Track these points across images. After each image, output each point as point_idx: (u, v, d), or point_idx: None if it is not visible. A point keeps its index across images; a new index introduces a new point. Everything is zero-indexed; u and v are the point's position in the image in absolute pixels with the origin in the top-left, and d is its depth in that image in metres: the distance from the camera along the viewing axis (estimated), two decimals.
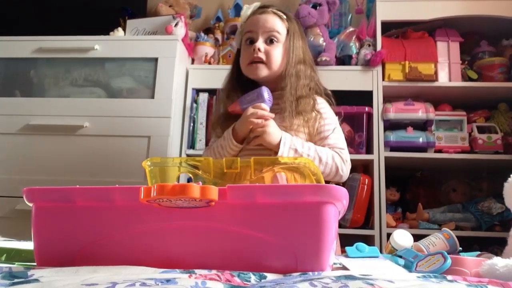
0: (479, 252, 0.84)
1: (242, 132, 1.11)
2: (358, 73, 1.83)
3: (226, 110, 1.20)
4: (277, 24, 1.19)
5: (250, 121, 1.08)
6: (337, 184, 0.71)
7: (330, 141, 1.15)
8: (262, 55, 1.15)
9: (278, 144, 1.06)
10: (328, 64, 1.80)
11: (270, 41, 1.18)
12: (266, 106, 1.10)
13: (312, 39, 1.81)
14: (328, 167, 1.10)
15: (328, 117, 1.19)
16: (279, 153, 1.05)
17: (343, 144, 1.17)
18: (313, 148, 1.10)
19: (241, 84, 1.22)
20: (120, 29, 1.94)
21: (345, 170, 1.13)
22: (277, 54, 1.17)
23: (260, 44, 1.16)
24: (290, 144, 1.07)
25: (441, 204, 1.83)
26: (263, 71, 1.16)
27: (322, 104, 1.20)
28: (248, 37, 1.20)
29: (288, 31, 1.20)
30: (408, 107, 1.78)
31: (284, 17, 1.21)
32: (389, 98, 1.81)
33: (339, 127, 1.21)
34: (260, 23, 1.18)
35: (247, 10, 1.24)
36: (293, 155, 1.06)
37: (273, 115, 1.10)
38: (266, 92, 1.10)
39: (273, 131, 1.07)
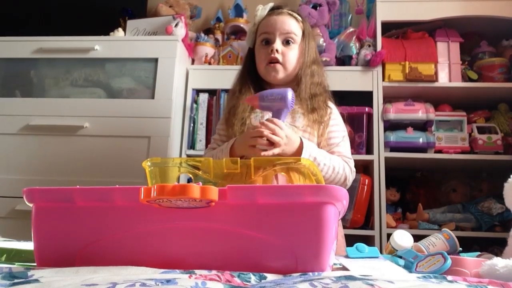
0: (479, 253, 0.84)
1: (241, 152, 1.08)
2: (358, 74, 1.83)
3: (233, 106, 1.21)
4: (294, 26, 1.21)
5: (253, 142, 1.02)
6: None
7: (340, 149, 1.17)
8: (279, 56, 1.18)
9: (297, 151, 1.05)
10: (328, 65, 1.80)
11: (286, 42, 1.20)
12: (283, 116, 1.03)
13: None
14: (338, 176, 1.12)
15: (338, 123, 1.22)
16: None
17: (350, 153, 1.21)
18: (328, 157, 1.11)
19: (254, 80, 1.24)
20: (120, 29, 1.94)
21: (351, 180, 1.17)
22: (293, 55, 1.19)
23: (278, 45, 1.18)
24: (310, 152, 1.07)
25: (441, 204, 1.83)
26: (280, 72, 1.18)
27: (334, 109, 1.23)
28: (264, 37, 1.22)
29: (303, 32, 1.22)
30: (408, 108, 1.78)
31: (300, 18, 1.24)
32: (389, 98, 1.81)
33: (347, 136, 1.23)
34: (277, 24, 1.20)
35: (262, 10, 1.25)
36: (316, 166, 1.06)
37: (283, 130, 1.03)
38: (290, 95, 1.03)
39: (291, 143, 1.05)
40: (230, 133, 1.20)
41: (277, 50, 1.17)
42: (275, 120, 1.03)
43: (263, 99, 1.05)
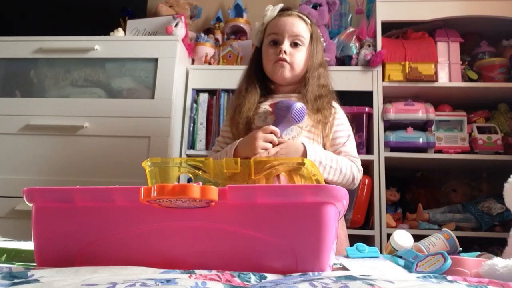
0: (479, 253, 0.84)
1: (246, 154, 1.09)
2: (358, 74, 1.83)
3: (239, 104, 1.21)
4: (302, 29, 1.21)
5: (258, 151, 1.06)
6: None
7: (346, 149, 1.18)
8: (287, 57, 1.18)
9: (301, 156, 1.07)
10: (328, 65, 1.79)
11: (294, 44, 1.20)
12: (282, 126, 1.09)
13: None
14: (346, 177, 1.13)
15: (343, 123, 1.23)
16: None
17: (356, 152, 1.21)
18: (335, 159, 1.12)
19: (260, 80, 1.25)
20: (120, 29, 1.94)
21: (359, 179, 1.17)
22: (300, 57, 1.20)
23: (286, 46, 1.19)
24: (315, 156, 1.07)
25: (441, 204, 1.83)
26: (287, 72, 1.19)
27: (338, 109, 1.24)
28: (273, 38, 1.22)
29: (311, 35, 1.23)
30: (408, 108, 1.78)
31: (309, 21, 1.24)
32: (389, 98, 1.81)
33: (352, 135, 1.24)
34: (286, 26, 1.20)
35: (272, 11, 1.25)
36: (317, 167, 1.06)
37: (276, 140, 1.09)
38: (298, 107, 1.08)
39: (291, 150, 1.08)
40: (234, 133, 1.20)
41: (285, 51, 1.18)
42: (271, 127, 1.07)
43: (275, 106, 1.10)
